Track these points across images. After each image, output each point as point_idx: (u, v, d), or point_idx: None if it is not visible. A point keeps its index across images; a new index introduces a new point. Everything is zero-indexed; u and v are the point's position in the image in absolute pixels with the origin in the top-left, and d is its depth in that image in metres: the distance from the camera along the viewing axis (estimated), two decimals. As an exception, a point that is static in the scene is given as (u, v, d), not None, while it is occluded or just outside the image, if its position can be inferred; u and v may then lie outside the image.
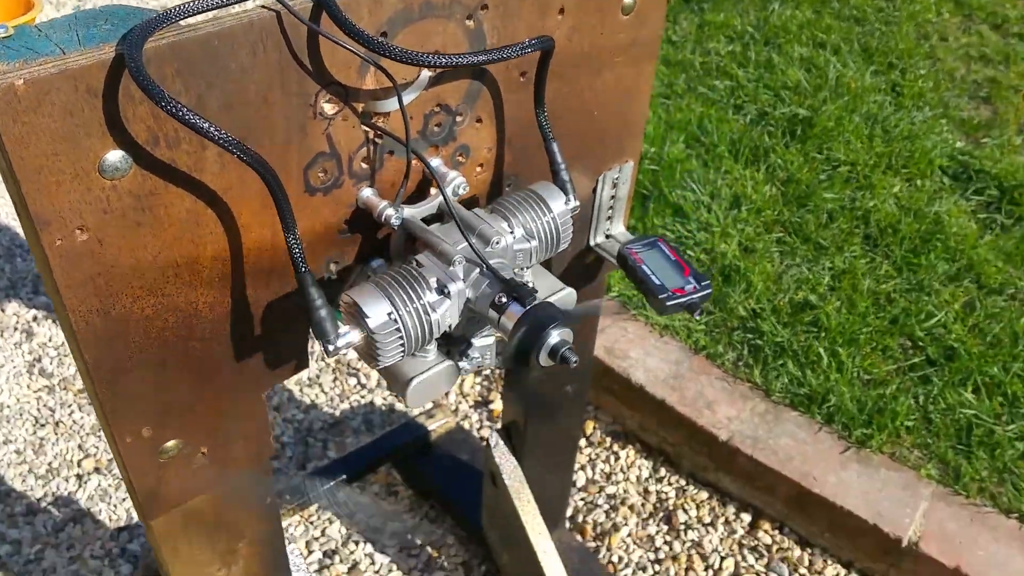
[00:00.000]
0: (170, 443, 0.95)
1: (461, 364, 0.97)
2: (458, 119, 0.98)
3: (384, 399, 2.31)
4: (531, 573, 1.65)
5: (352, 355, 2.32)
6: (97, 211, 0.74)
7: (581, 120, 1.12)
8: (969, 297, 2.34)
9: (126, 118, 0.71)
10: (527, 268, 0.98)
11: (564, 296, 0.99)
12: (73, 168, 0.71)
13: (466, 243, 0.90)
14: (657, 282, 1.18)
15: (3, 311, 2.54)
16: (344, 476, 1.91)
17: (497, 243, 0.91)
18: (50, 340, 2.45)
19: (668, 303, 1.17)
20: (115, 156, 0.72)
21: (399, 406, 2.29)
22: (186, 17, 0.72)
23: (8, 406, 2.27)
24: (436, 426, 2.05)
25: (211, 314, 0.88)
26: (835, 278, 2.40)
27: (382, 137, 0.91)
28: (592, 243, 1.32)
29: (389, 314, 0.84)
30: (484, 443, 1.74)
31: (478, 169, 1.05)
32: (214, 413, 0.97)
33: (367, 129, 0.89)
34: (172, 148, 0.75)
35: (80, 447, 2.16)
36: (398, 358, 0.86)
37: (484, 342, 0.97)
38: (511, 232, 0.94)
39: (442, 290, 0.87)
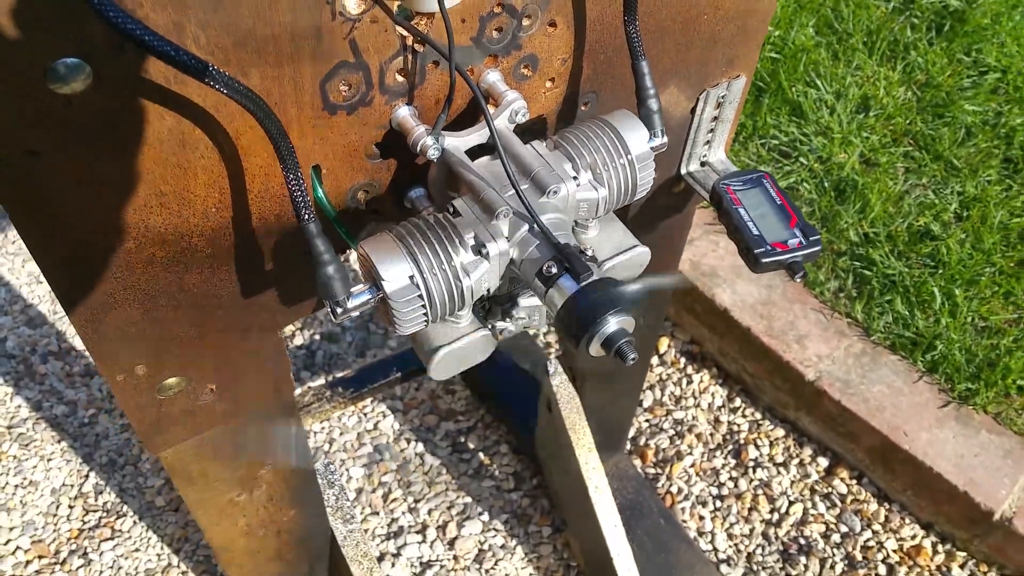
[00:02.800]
0: (170, 380, 0.84)
1: (503, 324, 0.82)
2: (525, 22, 0.78)
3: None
4: (580, 504, 1.55)
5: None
6: (54, 130, 0.59)
7: (685, 23, 0.90)
8: (1120, 242, 2.04)
9: (81, 16, 0.55)
10: (593, 220, 0.80)
11: (634, 256, 0.80)
12: (19, 76, 0.56)
13: (516, 190, 0.72)
14: (755, 232, 0.99)
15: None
16: (399, 374, 1.82)
17: (556, 192, 0.73)
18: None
19: (764, 259, 0.98)
20: (68, 63, 0.57)
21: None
22: None
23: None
24: (498, 330, 1.92)
25: (208, 247, 0.75)
26: (964, 205, 2.11)
27: (423, 43, 0.72)
28: (684, 171, 1.11)
29: (411, 277, 0.68)
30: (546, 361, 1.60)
31: (548, 84, 0.85)
32: (220, 351, 0.85)
33: (404, 33, 0.71)
34: (142, 56, 0.59)
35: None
36: (420, 327, 0.71)
37: (531, 302, 0.81)
38: (574, 177, 0.76)
39: (479, 250, 0.70)
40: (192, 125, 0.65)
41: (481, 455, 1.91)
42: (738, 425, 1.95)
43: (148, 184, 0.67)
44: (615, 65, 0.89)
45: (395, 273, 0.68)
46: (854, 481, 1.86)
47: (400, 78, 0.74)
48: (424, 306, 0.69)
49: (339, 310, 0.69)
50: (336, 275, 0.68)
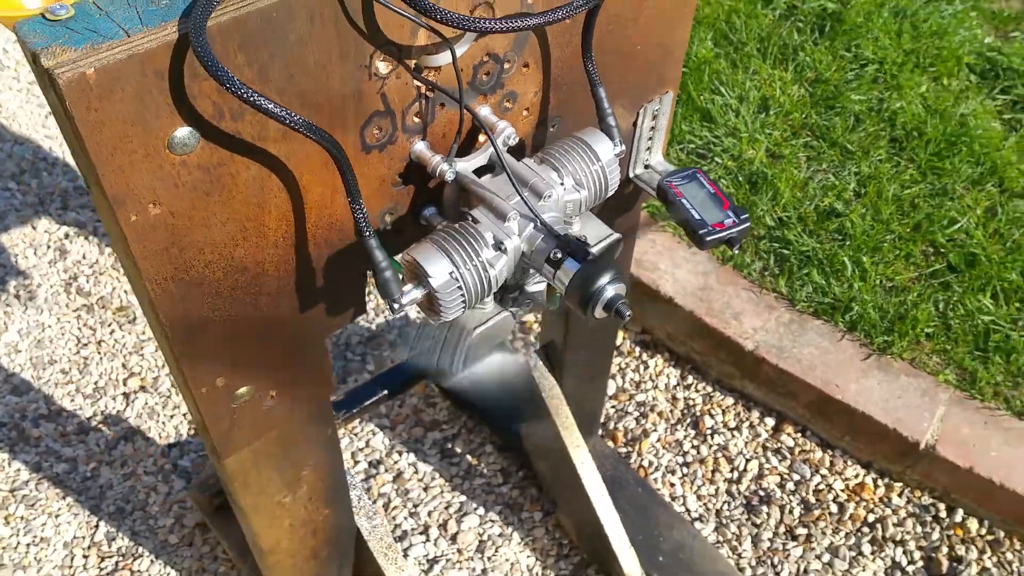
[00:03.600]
0: (242, 389, 1.00)
1: (513, 309, 1.01)
2: (506, 66, 0.98)
3: (418, 312, 2.36)
4: (569, 482, 1.74)
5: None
6: (169, 186, 0.76)
7: (623, 55, 1.12)
8: (991, 202, 2.35)
9: (192, 95, 0.72)
10: (576, 216, 1.00)
11: (612, 242, 1.01)
12: (144, 148, 0.73)
13: (519, 197, 0.92)
14: (698, 217, 1.20)
15: (34, 228, 2.57)
16: (385, 392, 1.98)
17: (549, 196, 0.93)
18: (84, 258, 2.49)
19: (708, 238, 1.19)
20: (183, 132, 0.74)
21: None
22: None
23: (49, 326, 2.33)
24: (469, 341, 2.11)
25: (277, 272, 0.92)
26: (861, 184, 2.40)
27: (433, 90, 0.92)
28: (631, 174, 1.33)
29: (451, 273, 0.87)
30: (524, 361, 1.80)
31: (524, 113, 1.06)
32: (281, 359, 1.02)
33: (419, 84, 0.90)
34: (236, 120, 0.77)
35: (124, 366, 2.23)
36: (460, 313, 0.90)
37: (535, 288, 1.00)
38: (561, 183, 0.96)
39: (499, 246, 0.90)
40: (269, 172, 0.83)
41: (469, 457, 2.08)
42: (693, 399, 2.18)
43: (235, 222, 0.84)
44: (574, 94, 1.09)
45: (439, 270, 0.87)
46: (799, 434, 2.10)
47: (416, 119, 0.93)
48: (463, 295, 0.88)
49: (396, 305, 0.87)
50: (393, 279, 0.86)
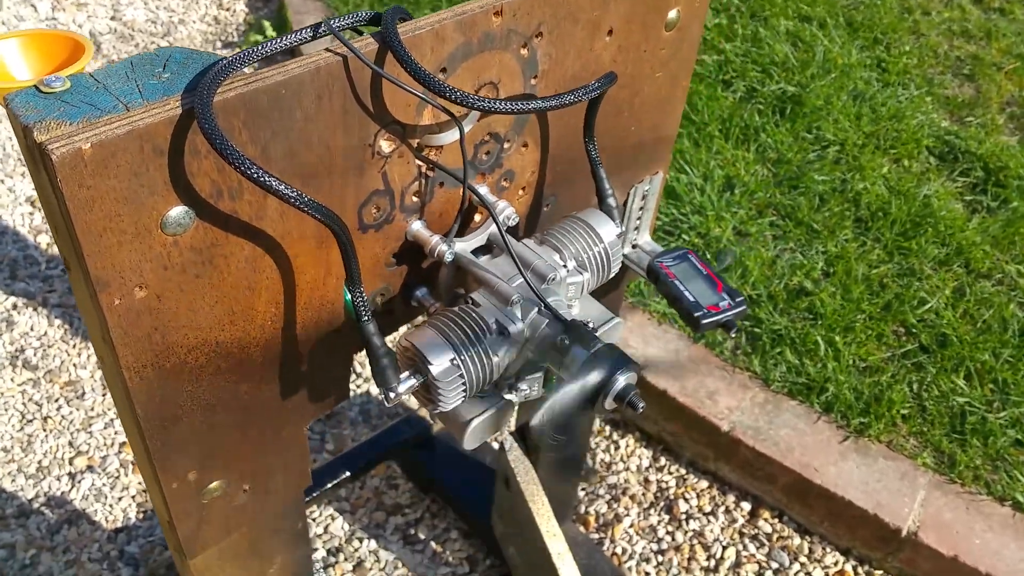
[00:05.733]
0: (214, 484, 0.92)
1: (508, 396, 0.96)
2: (506, 146, 0.95)
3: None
4: (543, 572, 1.66)
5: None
6: (157, 267, 0.70)
7: (618, 137, 1.10)
8: (959, 282, 2.38)
9: (191, 173, 0.67)
10: (576, 300, 0.96)
11: (613, 327, 0.97)
12: (135, 227, 0.67)
13: (521, 279, 0.87)
14: (692, 299, 1.17)
15: (-22, 298, 2.45)
16: (348, 473, 1.89)
17: (553, 279, 0.89)
18: (32, 330, 2.38)
19: (704, 321, 1.16)
20: (178, 212, 0.68)
21: (397, 397, 2.26)
22: (249, 63, 0.68)
23: (-9, 400, 2.20)
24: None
25: (262, 356, 0.85)
26: (829, 263, 2.41)
27: (434, 169, 0.88)
28: (620, 255, 1.30)
29: (452, 360, 0.82)
30: (499, 445, 1.73)
31: (520, 192, 1.02)
32: (258, 450, 0.94)
33: (420, 163, 0.86)
34: (235, 200, 0.72)
35: (71, 444, 2.11)
36: (459, 402, 0.84)
37: (532, 375, 0.95)
38: (564, 265, 0.92)
39: (502, 331, 0.85)
40: (263, 252, 0.77)
41: (433, 544, 1.98)
42: (666, 482, 2.12)
43: (224, 304, 0.78)
44: (569, 173, 1.07)
45: (440, 358, 0.81)
46: (776, 519, 2.05)
47: (415, 198, 0.88)
48: (464, 384, 0.82)
49: (392, 395, 0.81)
50: (390, 366, 0.80)
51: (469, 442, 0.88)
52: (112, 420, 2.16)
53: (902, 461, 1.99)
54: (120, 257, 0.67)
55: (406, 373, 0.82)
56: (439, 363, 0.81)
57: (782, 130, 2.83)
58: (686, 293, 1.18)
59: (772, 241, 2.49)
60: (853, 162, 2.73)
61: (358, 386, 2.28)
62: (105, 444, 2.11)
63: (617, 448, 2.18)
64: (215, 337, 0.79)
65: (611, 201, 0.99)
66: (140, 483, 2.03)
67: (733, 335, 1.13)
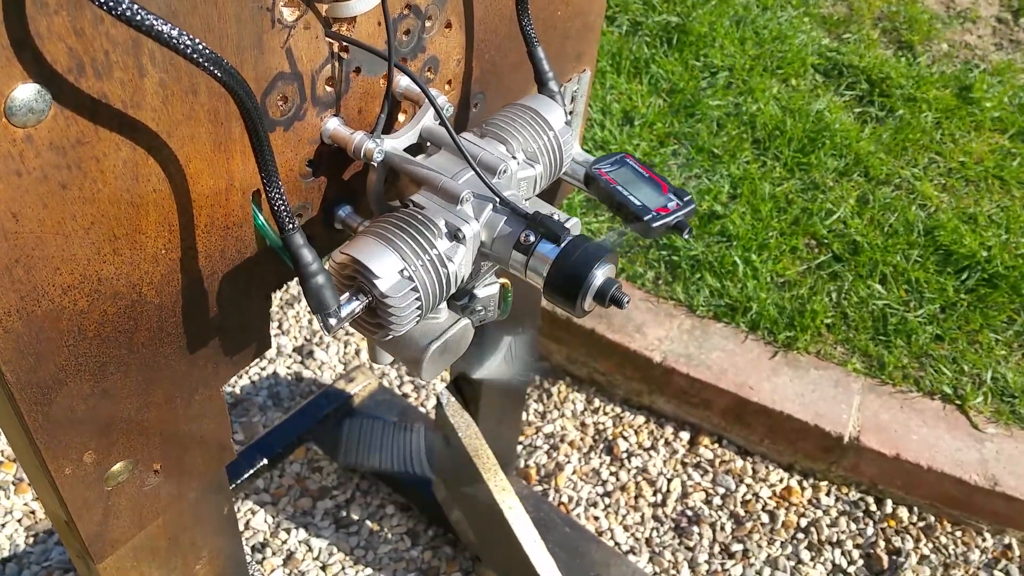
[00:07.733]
0: (117, 466, 0.75)
1: (464, 318, 0.82)
2: (427, 24, 0.80)
3: (288, 368, 2.09)
4: (495, 528, 1.54)
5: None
6: (9, 173, 0.53)
7: (545, 21, 0.97)
8: (861, 191, 2.38)
9: (38, 34, 0.50)
10: (528, 199, 0.83)
11: (572, 226, 0.84)
12: (-30, 114, 0.49)
13: (469, 174, 0.74)
14: (638, 203, 1.06)
15: None
16: (265, 461, 1.71)
17: (504, 172, 0.76)
18: None
19: (654, 224, 1.05)
20: (27, 91, 0.51)
21: (307, 373, 2.09)
22: None
23: None
24: (358, 389, 1.87)
25: (158, 298, 0.69)
26: (734, 185, 2.37)
27: (348, 49, 0.72)
28: (551, 167, 1.17)
29: (401, 271, 0.67)
30: (436, 400, 1.59)
31: (446, 87, 0.88)
32: (166, 420, 0.78)
33: (331, 40, 0.70)
34: (102, 78, 0.55)
35: (-67, 471, 1.83)
36: (414, 323, 0.70)
37: (488, 292, 0.82)
38: (513, 157, 0.79)
39: (455, 235, 0.71)
40: (146, 154, 0.60)
41: (369, 523, 1.83)
42: (603, 423, 2.03)
43: (103, 227, 0.61)
44: (497, 64, 0.93)
45: (386, 269, 0.67)
46: (716, 445, 2.00)
47: (328, 88, 0.73)
48: (419, 299, 0.68)
49: (332, 320, 0.66)
50: (328, 284, 0.65)
51: (429, 371, 0.74)
52: (-20, 439, 1.90)
53: (833, 369, 1.96)
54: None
55: (346, 295, 0.68)
56: (386, 276, 0.66)
57: (671, 60, 2.77)
58: (631, 198, 1.07)
59: (677, 170, 2.42)
60: (744, 85, 2.70)
61: (262, 368, 2.09)
62: (-25, 466, 1.85)
63: (549, 396, 2.07)
64: (96, 272, 0.62)
65: (553, 85, 0.86)
66: (25, 504, 1.78)
67: (687, 236, 1.02)
